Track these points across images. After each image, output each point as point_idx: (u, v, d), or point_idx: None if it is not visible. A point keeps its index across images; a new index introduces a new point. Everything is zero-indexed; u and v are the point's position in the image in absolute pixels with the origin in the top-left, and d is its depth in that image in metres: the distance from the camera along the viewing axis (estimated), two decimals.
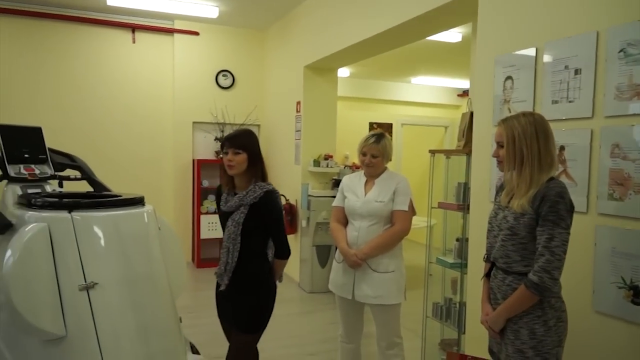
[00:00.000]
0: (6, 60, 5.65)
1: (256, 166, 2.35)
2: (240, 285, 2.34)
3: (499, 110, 2.63)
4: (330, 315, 4.58)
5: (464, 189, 3.16)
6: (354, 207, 2.71)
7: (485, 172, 2.73)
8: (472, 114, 2.99)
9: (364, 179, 2.79)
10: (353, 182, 2.80)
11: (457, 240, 3.24)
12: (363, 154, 2.72)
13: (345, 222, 2.79)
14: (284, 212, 5.66)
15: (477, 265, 2.77)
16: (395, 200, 2.66)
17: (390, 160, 2.79)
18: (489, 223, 1.91)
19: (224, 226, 2.41)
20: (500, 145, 1.82)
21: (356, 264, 2.62)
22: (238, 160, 2.30)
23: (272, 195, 2.35)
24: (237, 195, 2.33)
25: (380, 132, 2.76)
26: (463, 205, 3.06)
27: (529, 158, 1.72)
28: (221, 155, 2.39)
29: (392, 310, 2.67)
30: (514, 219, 1.76)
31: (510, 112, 2.54)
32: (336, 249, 2.81)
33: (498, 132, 1.82)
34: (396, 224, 2.65)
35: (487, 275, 1.95)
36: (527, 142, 1.72)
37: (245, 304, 2.35)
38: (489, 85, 2.71)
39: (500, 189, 1.96)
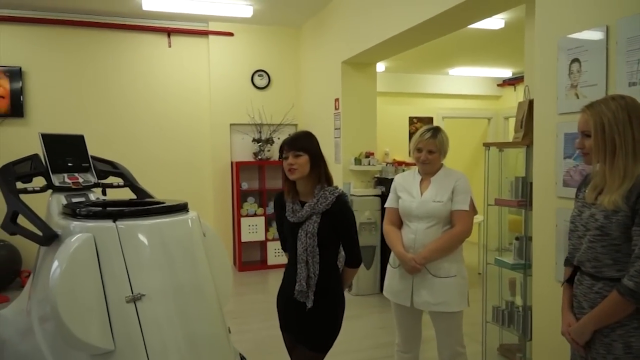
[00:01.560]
0: (45, 69, 5.74)
1: (319, 168, 2.18)
2: (317, 300, 2.16)
3: (565, 97, 2.41)
4: (379, 320, 4.42)
5: (523, 184, 2.95)
6: (409, 208, 2.53)
7: (549, 165, 2.51)
8: (530, 102, 2.77)
9: (418, 177, 2.60)
10: (407, 181, 2.62)
11: (517, 239, 3.03)
12: (418, 150, 2.53)
13: (399, 224, 2.62)
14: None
15: (543, 266, 2.56)
16: (454, 200, 2.47)
17: (444, 157, 2.58)
18: (572, 222, 1.71)
19: (288, 237, 2.24)
20: (585, 134, 1.61)
21: (415, 269, 2.44)
22: (299, 163, 2.13)
23: (344, 199, 2.19)
24: (307, 204, 2.16)
25: (436, 126, 2.58)
26: (525, 202, 2.84)
27: (622, 148, 1.51)
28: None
29: (454, 318, 2.48)
30: (605, 217, 1.55)
31: (578, 97, 2.32)
32: (388, 252, 2.65)
33: (583, 120, 1.62)
34: (457, 225, 2.46)
35: (569, 280, 1.75)
36: (620, 130, 1.51)
37: (319, 321, 2.18)
38: (551, 70, 2.49)
39: (582, 183, 1.76)
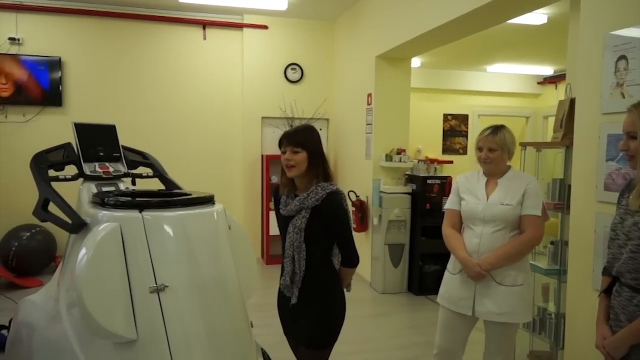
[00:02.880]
0: (83, 59, 5.87)
1: (317, 166, 2.10)
2: (306, 298, 2.11)
3: (609, 96, 2.28)
4: (406, 319, 4.34)
5: (560, 186, 2.82)
6: (474, 210, 2.39)
7: (590, 168, 2.38)
8: (572, 101, 2.64)
9: (483, 178, 2.46)
10: (471, 183, 2.48)
11: (552, 243, 2.91)
12: (479, 148, 2.41)
13: (459, 228, 2.49)
14: (352, 211, 5.48)
15: (579, 273, 2.44)
16: (525, 204, 2.32)
17: (511, 157, 2.43)
18: (612, 230, 1.61)
19: (283, 231, 2.19)
20: (631, 136, 1.50)
21: (480, 276, 2.30)
22: (297, 160, 2.07)
23: (335, 197, 2.08)
24: (297, 198, 2.11)
25: (500, 125, 2.43)
26: (562, 205, 2.72)
27: None
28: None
29: (512, 329, 2.37)
30: None
31: (623, 97, 2.19)
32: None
33: (629, 120, 1.51)
34: (527, 231, 2.31)
35: (606, 291, 1.65)
36: None
37: (312, 318, 2.12)
38: (595, 68, 2.36)
39: (626, 189, 1.65)
